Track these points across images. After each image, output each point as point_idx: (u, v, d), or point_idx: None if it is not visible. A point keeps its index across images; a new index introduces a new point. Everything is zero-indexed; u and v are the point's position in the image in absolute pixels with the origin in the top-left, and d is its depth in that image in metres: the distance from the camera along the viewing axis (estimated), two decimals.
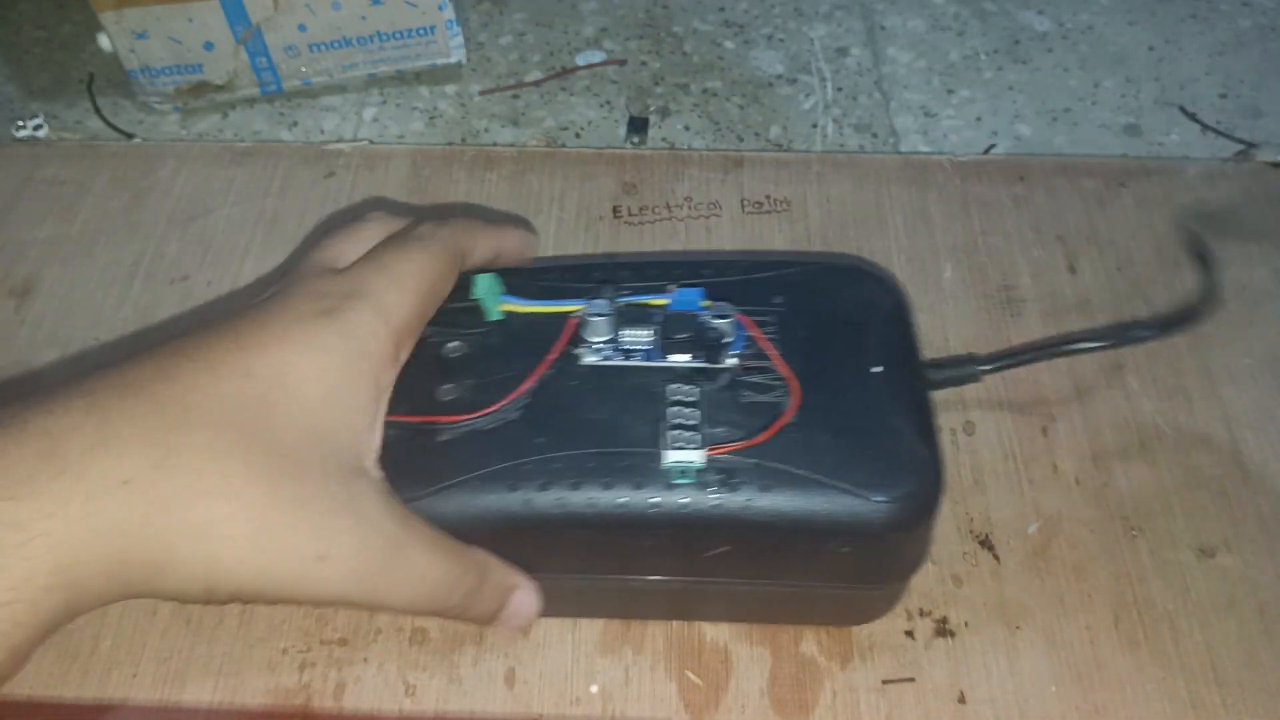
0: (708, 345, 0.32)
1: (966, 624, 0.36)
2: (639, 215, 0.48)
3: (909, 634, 0.36)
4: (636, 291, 0.34)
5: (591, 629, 0.36)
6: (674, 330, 0.33)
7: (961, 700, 0.35)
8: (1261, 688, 0.35)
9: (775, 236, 0.48)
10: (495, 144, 0.53)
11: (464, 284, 0.34)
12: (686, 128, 0.54)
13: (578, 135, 0.54)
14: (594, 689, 0.35)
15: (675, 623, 0.36)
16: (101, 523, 0.25)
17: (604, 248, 0.47)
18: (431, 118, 0.55)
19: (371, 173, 0.50)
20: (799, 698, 0.35)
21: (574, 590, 0.34)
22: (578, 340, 0.33)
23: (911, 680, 0.35)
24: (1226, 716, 0.34)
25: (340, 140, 0.52)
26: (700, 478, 0.31)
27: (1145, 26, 0.59)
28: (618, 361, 0.33)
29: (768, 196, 0.49)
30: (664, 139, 0.54)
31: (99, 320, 0.45)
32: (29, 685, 0.35)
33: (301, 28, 0.52)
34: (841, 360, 0.33)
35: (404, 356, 0.32)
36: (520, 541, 0.32)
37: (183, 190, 0.50)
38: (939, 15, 0.60)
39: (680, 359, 0.33)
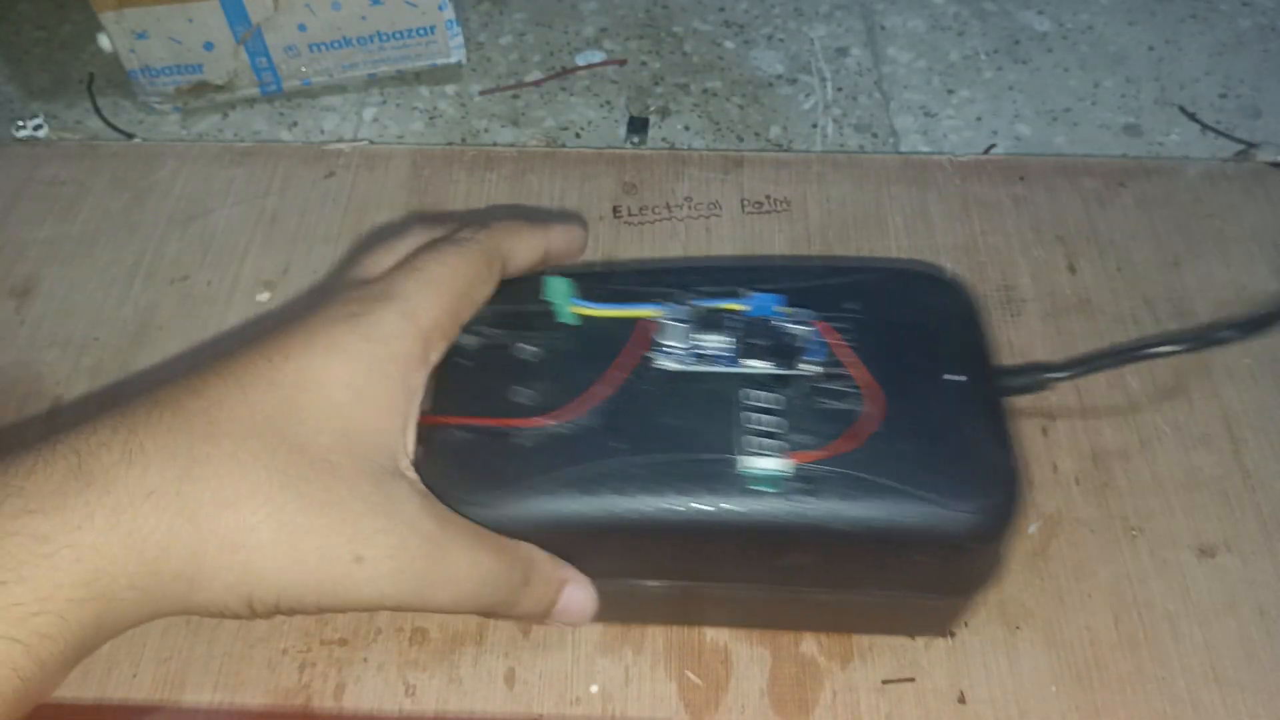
0: (787, 351, 0.32)
1: (966, 624, 0.36)
2: (639, 215, 0.48)
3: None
4: (712, 296, 0.34)
5: (591, 629, 0.36)
6: (752, 336, 0.32)
7: (961, 700, 0.35)
8: (1261, 688, 0.35)
9: (775, 236, 0.48)
10: (495, 144, 0.53)
11: (536, 286, 0.33)
12: (686, 128, 0.54)
13: (578, 135, 0.54)
14: (594, 689, 0.35)
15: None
16: (128, 535, 0.25)
17: (604, 248, 0.47)
18: (431, 118, 0.55)
19: (371, 173, 0.50)
20: (799, 698, 0.35)
21: (640, 596, 0.34)
22: (653, 344, 0.33)
23: (911, 680, 0.35)
24: (1226, 716, 0.34)
25: (340, 140, 0.52)
26: (782, 486, 0.30)
27: (1145, 26, 0.59)
28: (695, 366, 0.32)
29: (768, 196, 0.49)
30: (664, 139, 0.54)
31: (99, 320, 0.45)
32: None
33: (301, 28, 0.52)
34: (918, 367, 0.33)
35: (434, 358, 0.31)
36: (594, 547, 0.31)
37: (183, 190, 0.50)
38: (939, 15, 0.60)
39: (758, 365, 0.32)
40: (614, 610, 0.34)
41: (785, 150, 0.53)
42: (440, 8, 0.53)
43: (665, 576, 0.34)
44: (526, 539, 0.31)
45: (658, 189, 0.50)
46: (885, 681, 0.35)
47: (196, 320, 0.45)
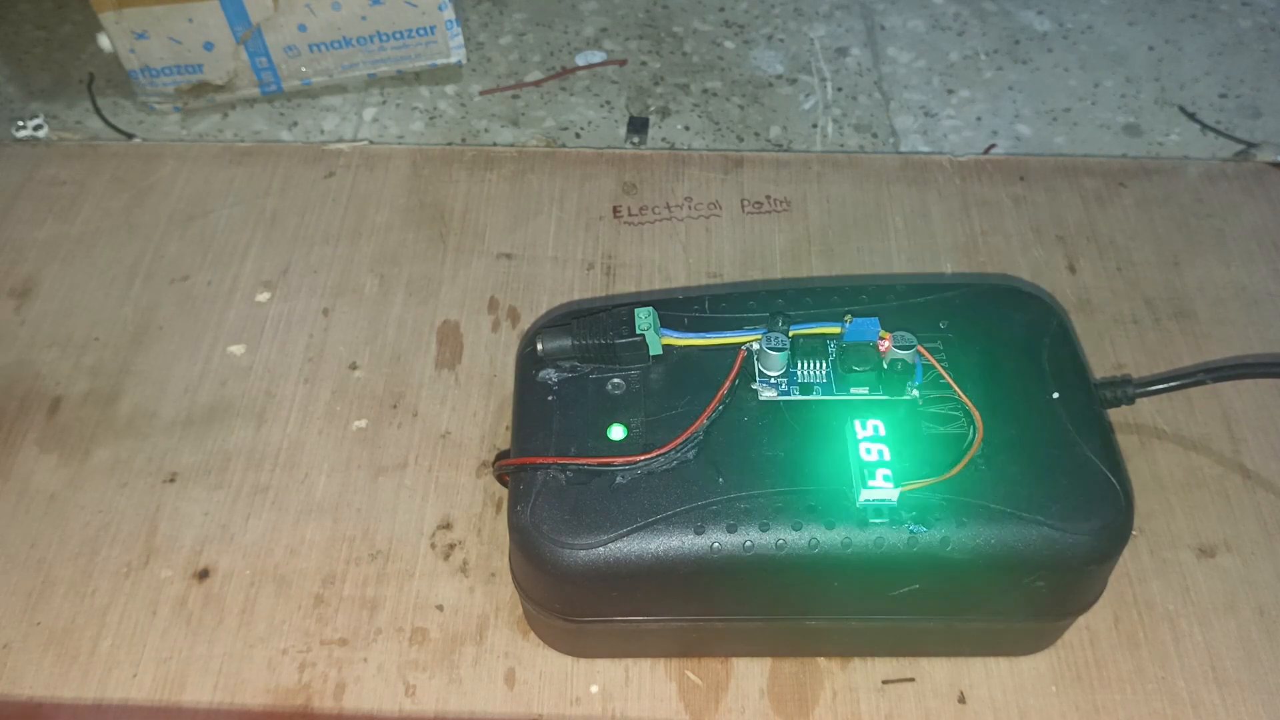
0: (889, 377, 0.31)
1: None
2: (639, 215, 0.48)
3: None
4: (807, 321, 0.33)
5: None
6: (853, 362, 0.32)
7: (961, 700, 0.35)
8: (1261, 688, 0.35)
9: (775, 236, 0.48)
10: (495, 144, 0.53)
11: (625, 318, 0.33)
12: (686, 128, 0.54)
13: (578, 135, 0.54)
14: (594, 689, 0.35)
15: None
16: None
17: (604, 248, 0.47)
18: (431, 118, 0.55)
19: (371, 173, 0.50)
20: (799, 697, 0.35)
21: (746, 631, 0.34)
22: (747, 373, 0.32)
23: (911, 680, 0.35)
24: (1226, 716, 0.34)
25: (340, 140, 0.52)
26: (894, 515, 0.30)
27: (1145, 26, 0.59)
28: (794, 395, 0.32)
29: (768, 196, 0.49)
30: (664, 139, 0.54)
31: (99, 320, 0.45)
32: (29, 685, 0.35)
33: (301, 28, 0.52)
34: (1017, 386, 0.32)
35: None
36: (703, 585, 0.31)
37: (183, 190, 0.50)
38: (939, 15, 0.60)
39: (860, 391, 0.32)
40: (716, 645, 0.34)
41: (785, 150, 0.53)
42: (440, 8, 0.53)
43: (773, 613, 0.33)
44: (633, 581, 0.30)
45: (658, 189, 0.50)
46: (885, 681, 0.35)
47: (196, 320, 0.45)
